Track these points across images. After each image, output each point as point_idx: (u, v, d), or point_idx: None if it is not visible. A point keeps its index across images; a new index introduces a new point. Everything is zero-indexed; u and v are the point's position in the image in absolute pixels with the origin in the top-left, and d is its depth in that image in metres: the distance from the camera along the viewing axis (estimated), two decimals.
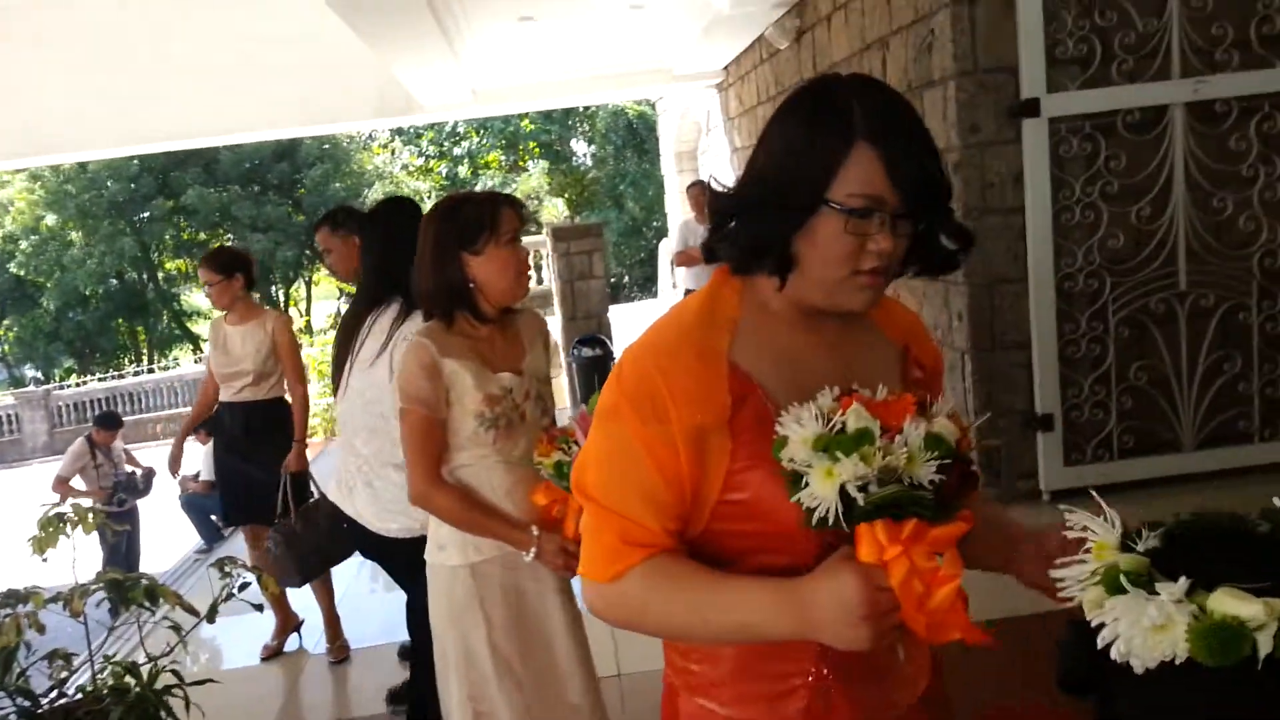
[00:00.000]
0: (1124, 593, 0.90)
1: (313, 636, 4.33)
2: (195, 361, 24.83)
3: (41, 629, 2.09)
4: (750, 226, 1.12)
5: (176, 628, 2.21)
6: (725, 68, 9.27)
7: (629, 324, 13.03)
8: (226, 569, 2.31)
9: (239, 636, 4.42)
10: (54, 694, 2.11)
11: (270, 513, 4.32)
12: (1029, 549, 1.19)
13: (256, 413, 4.26)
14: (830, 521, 0.99)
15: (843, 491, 0.98)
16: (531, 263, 14.79)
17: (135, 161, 22.74)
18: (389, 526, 2.77)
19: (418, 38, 5.98)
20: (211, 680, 2.25)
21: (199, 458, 7.93)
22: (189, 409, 8.35)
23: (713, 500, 1.12)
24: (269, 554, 3.88)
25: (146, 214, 24.54)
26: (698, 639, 1.18)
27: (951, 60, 3.97)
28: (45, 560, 2.26)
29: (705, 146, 11.64)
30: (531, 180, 27.36)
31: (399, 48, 6.37)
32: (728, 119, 9.68)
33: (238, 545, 5.43)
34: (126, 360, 26.70)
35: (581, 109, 26.32)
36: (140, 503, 8.66)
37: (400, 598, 3.02)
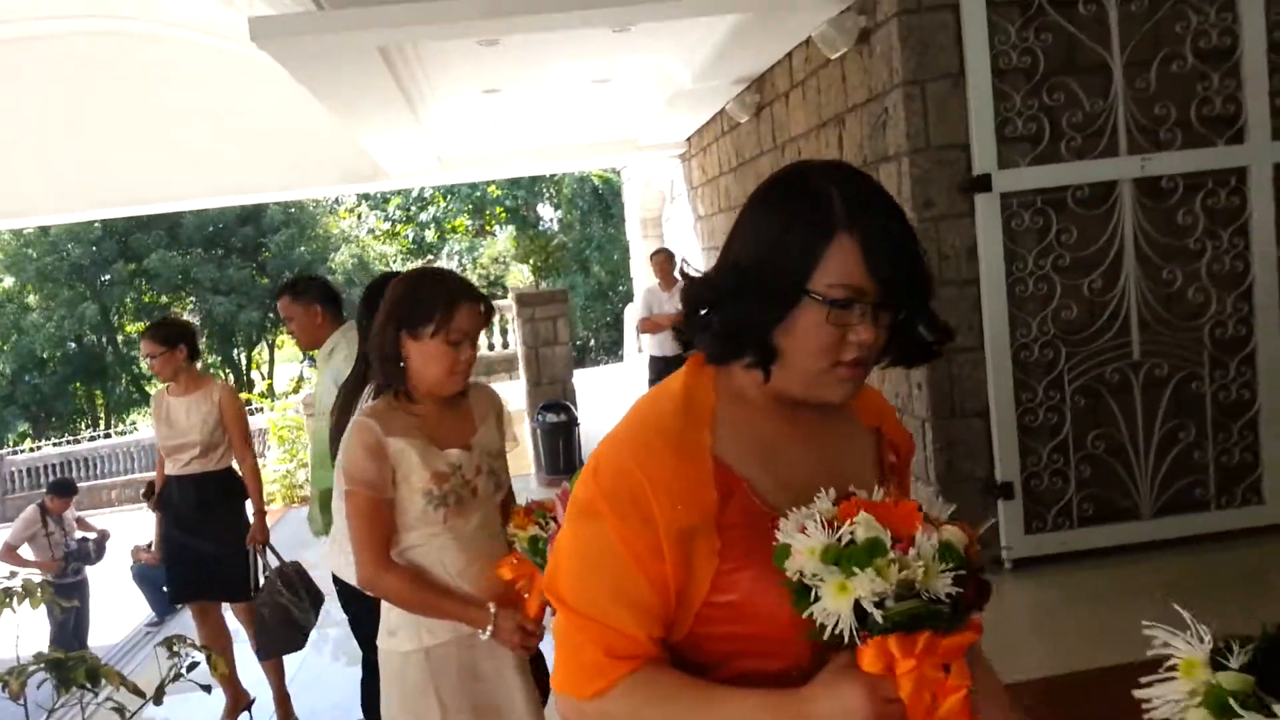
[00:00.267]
0: (1235, 715, 0.86)
1: (264, 715, 4.21)
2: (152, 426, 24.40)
3: None
4: (729, 317, 1.09)
5: (120, 709, 2.14)
6: (688, 139, 9.43)
7: (594, 389, 13.05)
8: (175, 648, 2.25)
9: (187, 717, 4.29)
10: None
11: (221, 588, 4.28)
12: None
13: (208, 485, 4.19)
14: (846, 638, 0.95)
15: (857, 606, 0.94)
16: (498, 328, 14.86)
17: (97, 225, 22.59)
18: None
19: (383, 107, 6.03)
20: None
21: (151, 528, 7.76)
22: (146, 474, 8.13)
23: (699, 603, 1.06)
24: (263, 627, 3.87)
25: (107, 277, 24.32)
26: None
27: (905, 138, 4.07)
28: None
29: (669, 214, 11.78)
30: (498, 245, 27.48)
31: (364, 118, 6.42)
32: (691, 188, 9.82)
33: (189, 617, 5.30)
34: (83, 425, 26.21)
35: (548, 175, 26.59)
36: (92, 570, 8.43)
37: (353, 675, 2.96)
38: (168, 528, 4.34)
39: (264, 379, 26.01)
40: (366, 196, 27.36)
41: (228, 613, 4.54)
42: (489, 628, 2.02)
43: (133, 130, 8.11)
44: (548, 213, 29.14)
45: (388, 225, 28.42)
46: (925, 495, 1.09)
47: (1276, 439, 4.23)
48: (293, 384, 24.37)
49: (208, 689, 2.54)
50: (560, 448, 8.12)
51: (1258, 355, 4.21)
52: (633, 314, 11.52)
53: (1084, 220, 4.11)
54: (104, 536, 8.49)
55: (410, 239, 27.86)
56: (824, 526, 0.98)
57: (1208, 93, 4.11)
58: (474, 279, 25.70)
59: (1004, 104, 4.05)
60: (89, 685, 2.08)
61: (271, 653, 4.04)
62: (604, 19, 4.49)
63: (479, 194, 26.85)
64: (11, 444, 24.47)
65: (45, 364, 24.74)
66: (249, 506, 4.29)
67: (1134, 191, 4.12)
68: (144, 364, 28.41)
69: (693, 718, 1.04)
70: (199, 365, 4.36)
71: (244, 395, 21.26)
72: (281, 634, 3.93)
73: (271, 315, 24.43)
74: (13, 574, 2.34)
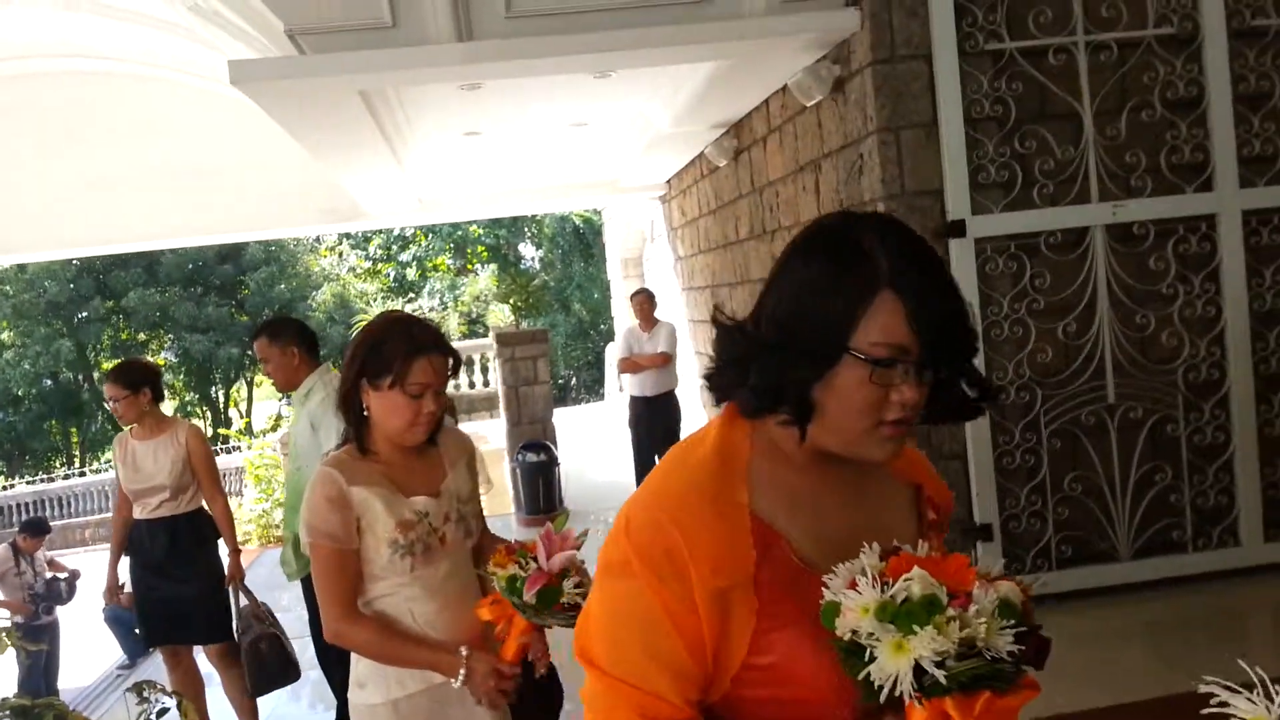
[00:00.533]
0: None
1: None
2: None
3: None
4: (767, 371, 1.05)
5: None
6: (668, 181, 9.51)
7: (575, 428, 13.02)
8: (145, 694, 2.21)
9: None
10: None
11: (199, 631, 4.24)
12: None
13: (180, 528, 4.14)
14: (906, 700, 0.91)
15: (916, 666, 0.90)
16: (479, 366, 14.84)
17: (75, 261, 22.49)
18: None
19: (363, 149, 6.05)
20: None
21: (123, 569, 7.65)
22: None
23: (736, 664, 1.02)
24: (258, 662, 3.86)
25: (84, 314, 24.17)
26: None
27: (880, 184, 4.12)
28: None
29: (650, 254, 11.85)
30: (479, 283, 27.50)
31: (345, 159, 6.44)
32: (671, 229, 9.89)
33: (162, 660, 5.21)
34: (58, 462, 25.89)
35: (529, 214, 26.70)
36: (63, 610, 8.28)
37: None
38: (139, 572, 4.28)
39: (242, 417, 25.82)
40: (347, 235, 27.40)
41: (199, 656, 4.47)
42: (461, 674, 1.96)
43: (112, 168, 8.10)
44: (529, 251, 29.25)
45: (369, 264, 28.43)
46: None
47: (1252, 481, 4.27)
48: (271, 422, 24.22)
49: None
50: (540, 488, 8.08)
51: (1231, 398, 4.26)
52: (613, 353, 11.54)
53: (1058, 265, 4.16)
54: (74, 576, 8.35)
55: (391, 277, 27.87)
56: (875, 583, 0.95)
57: (1176, 141, 4.19)
58: (455, 318, 25.78)
59: (977, 151, 4.11)
60: None
61: (268, 687, 4.01)
62: (584, 65, 4.53)
63: (460, 233, 26.93)
64: None
65: (20, 401, 24.48)
66: (222, 547, 4.25)
67: (1106, 237, 4.18)
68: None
69: None
70: (166, 407, 4.33)
71: (222, 431, 21.05)
72: (278, 667, 3.93)
73: (250, 353, 24.32)
74: None
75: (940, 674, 0.90)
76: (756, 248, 6.52)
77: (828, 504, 1.10)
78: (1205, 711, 0.93)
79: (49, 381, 25.20)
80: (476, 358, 14.97)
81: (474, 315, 26.67)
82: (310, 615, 3.90)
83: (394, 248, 27.68)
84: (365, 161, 6.50)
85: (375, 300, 25.81)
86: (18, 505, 19.60)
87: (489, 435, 10.82)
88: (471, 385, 14.95)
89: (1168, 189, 4.19)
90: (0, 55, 7.16)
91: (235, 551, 4.20)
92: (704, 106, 5.96)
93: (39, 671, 7.61)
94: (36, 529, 8.64)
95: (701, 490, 1.04)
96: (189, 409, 26.46)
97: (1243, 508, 4.27)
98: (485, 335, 15.21)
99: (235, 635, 4.14)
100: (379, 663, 2.02)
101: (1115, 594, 4.17)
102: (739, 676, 1.02)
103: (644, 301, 7.22)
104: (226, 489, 4.50)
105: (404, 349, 1.96)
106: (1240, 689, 0.90)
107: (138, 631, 7.63)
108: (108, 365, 26.13)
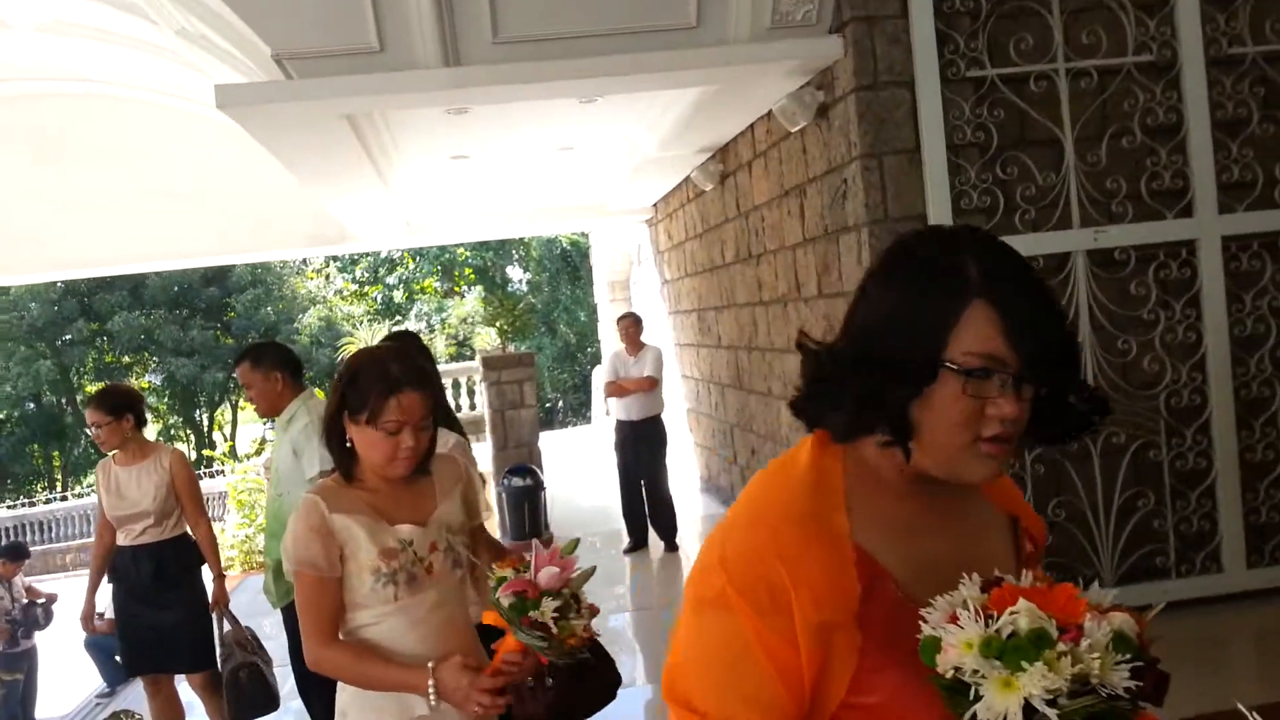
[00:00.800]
0: None
1: None
2: None
3: None
4: (861, 391, 1.00)
5: None
6: (655, 204, 9.55)
7: (562, 451, 12.98)
8: None
9: None
10: None
11: (182, 659, 4.21)
12: None
13: (165, 554, 4.11)
14: None
15: (1026, 705, 0.85)
16: (465, 390, 14.79)
17: (59, 284, 22.38)
18: None
19: (350, 173, 6.05)
20: None
21: (104, 595, 7.56)
22: None
23: (834, 704, 0.97)
24: (237, 690, 3.83)
25: (68, 336, 24.03)
26: None
27: (864, 209, 4.15)
28: None
29: (637, 277, 11.87)
30: (466, 305, 27.48)
31: (332, 183, 6.44)
32: (658, 252, 9.92)
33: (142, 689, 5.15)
34: (39, 486, 25.64)
35: (517, 237, 26.75)
36: (43, 636, 8.17)
37: None
38: (123, 599, 4.23)
39: (226, 440, 25.64)
40: (335, 257, 27.36)
41: (180, 684, 4.42)
42: (431, 688, 1.90)
43: (98, 190, 8.08)
44: (516, 274, 29.28)
45: (355, 286, 28.40)
46: None
47: (1234, 507, 4.28)
48: (255, 446, 24.07)
49: None
50: (526, 512, 8.03)
51: (1213, 424, 4.28)
52: (600, 377, 11.53)
53: None
54: (51, 600, 8.24)
55: (378, 300, 27.83)
56: (977, 616, 0.89)
57: (1156, 167, 4.23)
58: (442, 340, 25.74)
59: (959, 177, 4.14)
60: None
61: (248, 717, 3.97)
62: (571, 90, 4.56)
63: (447, 255, 26.95)
64: None
65: (2, 425, 24.27)
66: (206, 573, 4.22)
67: (1087, 262, 4.21)
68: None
69: None
70: (149, 431, 4.31)
71: (206, 454, 20.90)
72: (259, 696, 3.91)
73: (235, 376, 24.17)
74: None
75: (1053, 713, 0.85)
76: (743, 271, 6.54)
77: (928, 534, 1.05)
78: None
79: (31, 405, 25.01)
80: (463, 380, 14.94)
81: (461, 338, 26.63)
82: (290, 643, 3.86)
83: (381, 270, 27.66)
84: (352, 185, 6.50)
85: (361, 323, 25.73)
86: None
87: (475, 458, 10.77)
88: (458, 409, 14.90)
89: (1148, 215, 4.23)
90: None
91: (220, 578, 4.18)
92: (690, 131, 5.99)
93: (15, 699, 7.50)
94: (15, 554, 8.54)
95: (803, 518, 1.00)
96: (173, 433, 26.28)
97: (1225, 533, 4.29)
98: (472, 358, 15.18)
99: (219, 664, 4.10)
100: (356, 686, 2.00)
101: None
102: (838, 716, 0.98)
103: (630, 326, 7.22)
104: (209, 514, 4.47)
105: (377, 387, 1.96)
106: None
107: (118, 659, 7.58)
108: (91, 388, 25.98)
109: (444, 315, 27.03)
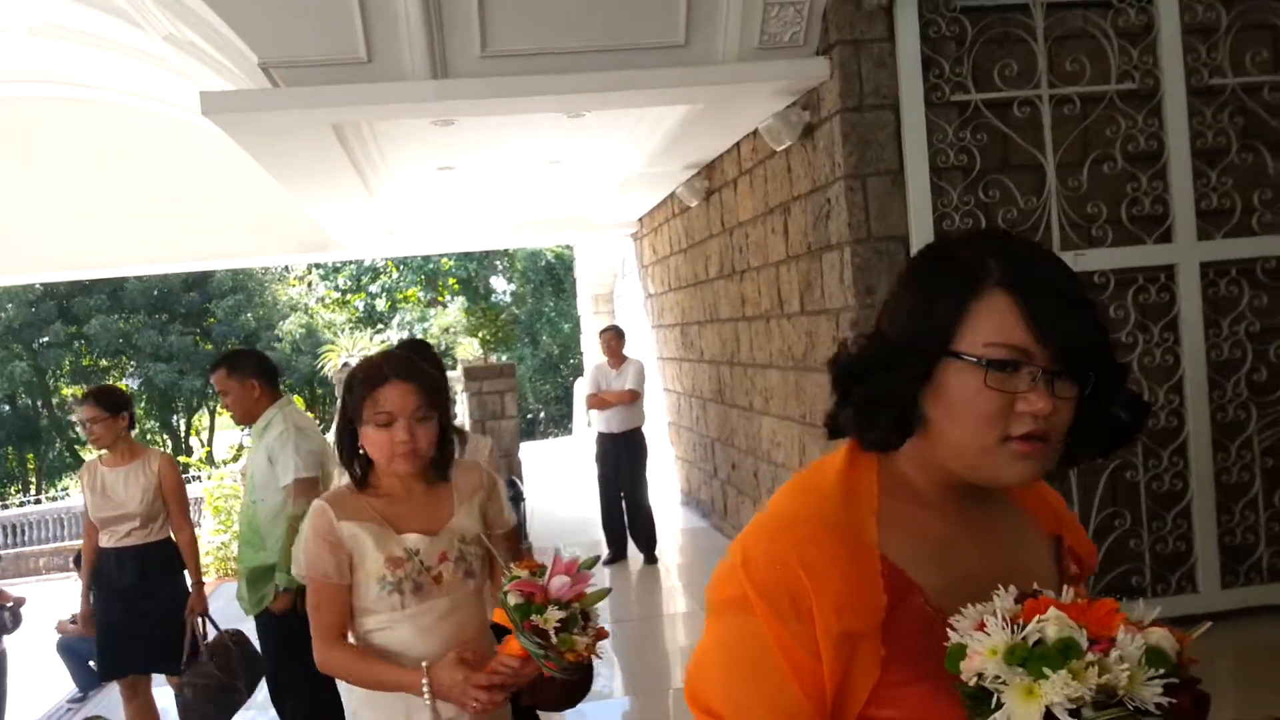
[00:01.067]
0: None
1: None
2: None
3: None
4: (869, 388, 0.99)
5: None
6: (640, 219, 9.58)
7: (543, 462, 12.95)
8: None
9: None
10: None
11: (157, 659, 4.19)
12: None
13: (150, 556, 4.12)
14: None
15: (1048, 715, 0.83)
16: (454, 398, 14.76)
17: (37, 285, 22.18)
18: None
19: (336, 182, 6.04)
20: None
21: (76, 598, 7.48)
22: (75, 542, 7.84)
23: (852, 715, 0.95)
24: (182, 703, 3.82)
25: (45, 339, 23.79)
26: None
27: (847, 228, 4.18)
28: None
29: (620, 290, 11.89)
30: (449, 315, 27.42)
31: (317, 191, 6.42)
32: (642, 266, 9.94)
33: (114, 694, 5.09)
34: (13, 489, 25.35)
35: (501, 248, 26.73)
36: (10, 640, 8.05)
37: None
38: (105, 601, 4.19)
39: (203, 446, 25.42)
40: (317, 265, 27.24)
41: (158, 689, 4.40)
42: (425, 686, 1.89)
43: (80, 193, 8.03)
44: (500, 285, 29.25)
45: (338, 294, 28.28)
46: None
47: (1209, 528, 4.33)
48: (232, 452, 23.89)
49: None
50: None
51: (1189, 446, 4.32)
52: (582, 389, 11.53)
53: None
54: (19, 603, 8.14)
55: (360, 308, 27.72)
56: (1006, 624, 0.87)
57: (1137, 193, 4.29)
58: None
59: (942, 199, 4.17)
60: None
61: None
62: (558, 105, 4.57)
63: (431, 265, 26.88)
64: None
65: None
66: (186, 577, 4.21)
67: None
68: (79, 428, 27.89)
69: None
70: (133, 434, 4.31)
71: (183, 459, 20.77)
72: (202, 712, 3.86)
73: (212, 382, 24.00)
74: None
75: None
76: (726, 287, 6.56)
77: (962, 548, 1.01)
78: None
79: (6, 407, 24.75)
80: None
81: (443, 347, 26.55)
82: (263, 649, 3.83)
83: (364, 278, 27.56)
84: (337, 193, 6.49)
85: (343, 331, 25.61)
86: None
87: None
88: None
89: (1128, 239, 4.28)
90: None
91: (199, 583, 4.19)
92: (676, 148, 6.02)
93: None
94: None
95: (829, 526, 0.97)
96: (149, 437, 26.05)
97: (1200, 554, 4.33)
98: (454, 368, 15.15)
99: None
100: (358, 686, 2.01)
101: None
102: None
103: (612, 338, 7.22)
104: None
105: (368, 380, 1.99)
106: None
107: (91, 664, 7.49)
108: (68, 391, 25.77)
109: (426, 325, 26.93)
